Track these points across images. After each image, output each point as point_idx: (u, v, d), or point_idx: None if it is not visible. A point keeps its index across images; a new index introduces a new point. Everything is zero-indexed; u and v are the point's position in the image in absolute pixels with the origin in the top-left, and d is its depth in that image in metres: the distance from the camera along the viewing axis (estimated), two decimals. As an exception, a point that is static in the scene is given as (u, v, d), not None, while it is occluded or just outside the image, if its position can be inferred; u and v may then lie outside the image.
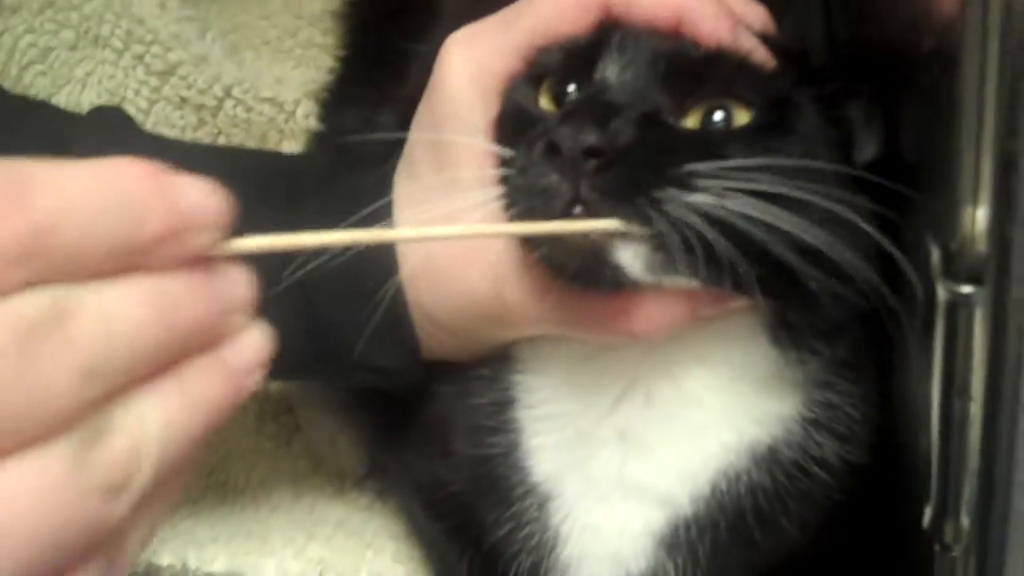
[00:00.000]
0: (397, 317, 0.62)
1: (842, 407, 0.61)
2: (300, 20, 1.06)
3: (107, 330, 0.32)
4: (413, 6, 0.80)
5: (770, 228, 0.51)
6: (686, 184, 0.51)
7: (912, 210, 0.55)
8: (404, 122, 0.64)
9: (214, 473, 0.84)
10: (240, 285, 0.36)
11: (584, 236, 0.52)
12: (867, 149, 0.59)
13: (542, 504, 0.63)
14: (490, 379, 0.65)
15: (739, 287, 0.53)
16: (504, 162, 0.56)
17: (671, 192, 0.51)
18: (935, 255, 0.49)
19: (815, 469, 0.60)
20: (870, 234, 0.54)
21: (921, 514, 0.54)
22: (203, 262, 0.35)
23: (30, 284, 0.31)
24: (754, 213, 0.50)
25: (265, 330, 0.38)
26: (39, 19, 0.98)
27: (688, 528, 0.61)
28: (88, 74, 0.98)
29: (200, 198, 0.35)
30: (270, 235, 0.37)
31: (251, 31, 1.06)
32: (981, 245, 0.47)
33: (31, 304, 0.30)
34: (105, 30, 0.98)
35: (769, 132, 0.55)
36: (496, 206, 0.56)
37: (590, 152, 0.51)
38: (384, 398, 0.71)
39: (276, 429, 0.86)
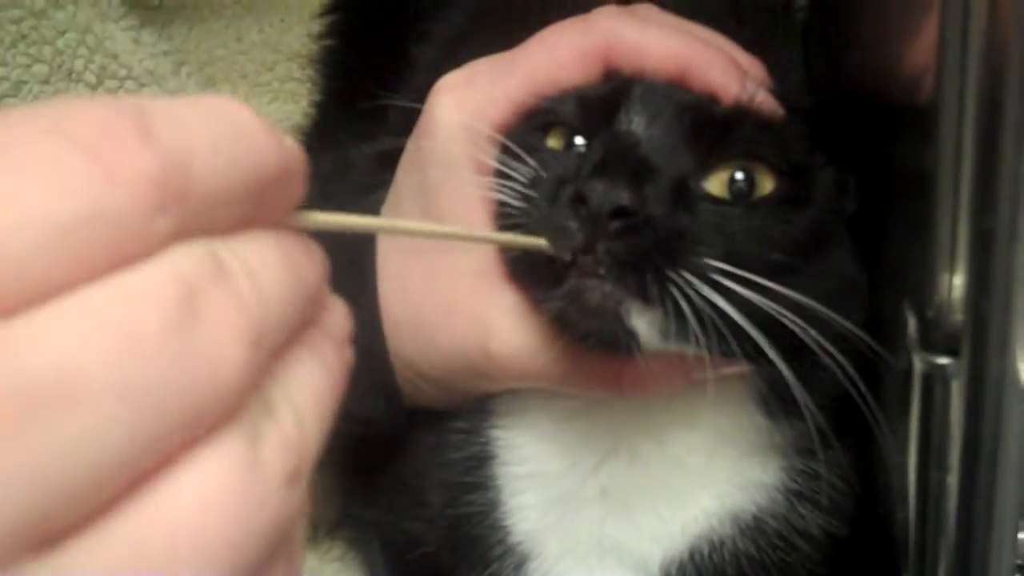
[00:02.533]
0: (378, 367, 0.61)
1: (826, 478, 0.59)
2: (278, 54, 1.05)
3: (258, 289, 0.27)
4: (388, 55, 0.79)
5: (773, 320, 0.51)
6: (702, 275, 0.50)
7: (891, 276, 0.54)
8: (380, 162, 0.63)
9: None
10: (320, 253, 0.32)
11: (604, 299, 0.51)
12: (849, 206, 0.59)
13: (519, 565, 0.62)
14: (468, 433, 0.63)
15: (747, 357, 0.53)
16: (504, 175, 0.55)
17: (686, 277, 0.50)
18: (912, 324, 0.48)
19: (799, 541, 0.59)
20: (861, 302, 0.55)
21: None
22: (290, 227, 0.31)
23: (175, 238, 0.26)
24: (762, 306, 0.50)
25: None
26: (11, 52, 0.96)
27: None
28: (61, 109, 0.97)
29: (290, 141, 0.31)
30: (341, 214, 0.34)
31: (228, 64, 1.05)
32: (958, 314, 0.46)
33: (188, 259, 0.26)
34: (79, 64, 0.96)
35: (790, 206, 0.55)
36: (487, 251, 0.56)
37: (618, 212, 0.50)
38: (356, 449, 0.70)
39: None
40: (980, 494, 0.46)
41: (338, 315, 0.33)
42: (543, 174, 0.54)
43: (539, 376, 0.57)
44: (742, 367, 0.54)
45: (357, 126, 0.77)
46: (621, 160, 0.53)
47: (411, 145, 0.61)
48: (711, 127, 0.55)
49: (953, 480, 0.47)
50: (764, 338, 0.50)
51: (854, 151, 0.58)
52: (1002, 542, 0.46)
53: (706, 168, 0.54)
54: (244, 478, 0.26)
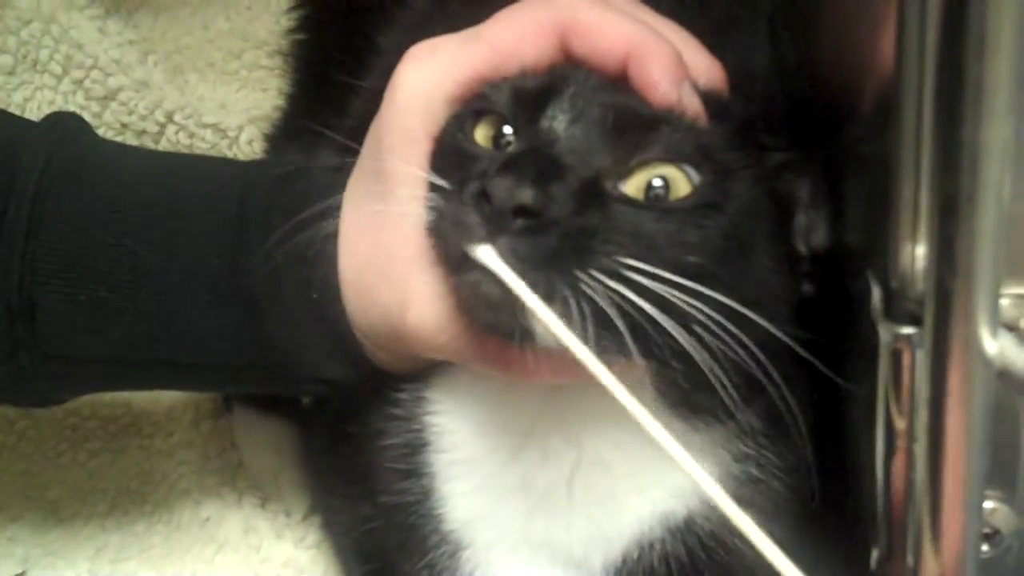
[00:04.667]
0: (341, 330, 0.62)
1: (765, 481, 0.59)
2: (245, 42, 1.05)
3: None
4: (356, 46, 0.80)
5: (683, 318, 0.51)
6: (614, 272, 0.50)
7: (854, 247, 0.54)
8: (334, 176, 0.63)
9: (158, 511, 0.82)
10: None
11: (503, 294, 0.51)
12: (818, 232, 0.58)
13: (454, 553, 0.62)
14: (404, 420, 0.63)
15: (653, 357, 0.52)
16: (434, 187, 0.56)
17: (596, 275, 0.50)
18: (876, 295, 0.48)
19: (734, 542, 0.58)
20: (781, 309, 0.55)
21: (868, 555, 0.53)
22: None
23: None
24: (676, 302, 0.50)
25: None
26: (-25, 44, 0.96)
27: None
28: (27, 100, 0.97)
29: None
30: None
31: (195, 53, 1.05)
32: (920, 283, 0.46)
33: None
34: (44, 55, 0.96)
35: (707, 208, 0.54)
36: (417, 220, 0.56)
37: (520, 211, 0.50)
38: (321, 436, 0.71)
39: (221, 465, 0.84)
40: (946, 462, 0.46)
41: None
42: (452, 186, 0.55)
43: (443, 350, 0.59)
44: (635, 366, 0.53)
45: (325, 117, 0.77)
46: (531, 158, 0.53)
47: (380, 109, 0.62)
48: (633, 129, 0.55)
49: (920, 449, 0.47)
50: (685, 334, 0.50)
51: (817, 126, 0.58)
52: (968, 510, 0.46)
53: (624, 171, 0.54)
54: None
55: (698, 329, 0.51)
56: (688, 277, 0.51)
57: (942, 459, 0.46)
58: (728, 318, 0.51)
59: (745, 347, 0.51)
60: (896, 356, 0.47)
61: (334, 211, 0.61)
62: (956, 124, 0.39)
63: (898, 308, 0.47)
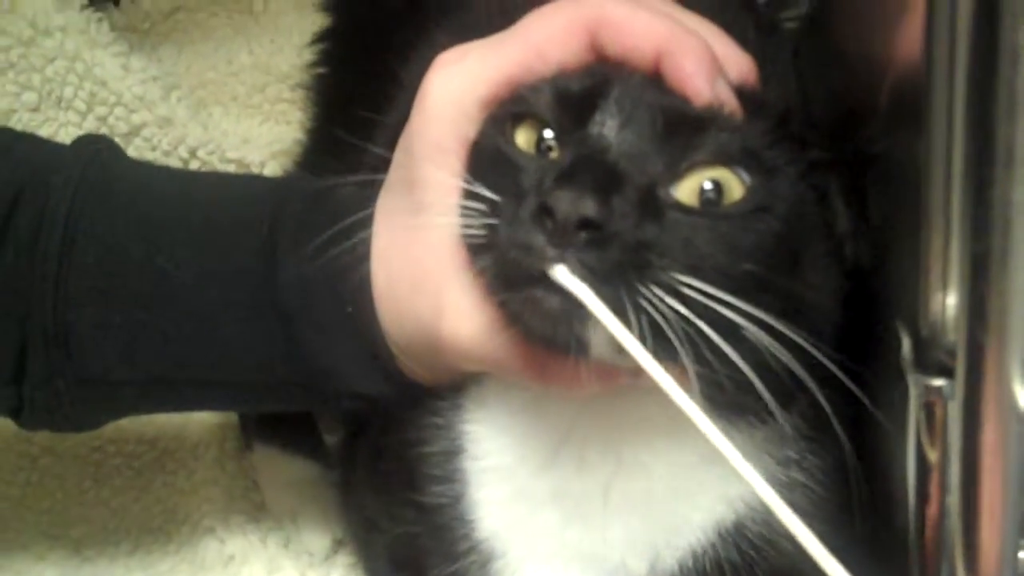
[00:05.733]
0: (376, 344, 0.61)
1: (808, 484, 0.59)
2: (268, 76, 1.05)
3: None
4: (379, 82, 0.79)
5: (732, 331, 0.50)
6: (671, 288, 0.50)
7: (885, 294, 0.53)
8: (365, 192, 0.62)
9: (182, 550, 0.82)
10: None
11: (563, 307, 0.50)
12: (849, 244, 0.57)
13: (484, 563, 0.61)
14: (442, 428, 0.63)
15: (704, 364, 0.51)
16: (471, 195, 0.55)
17: (655, 291, 0.49)
18: (906, 345, 0.48)
19: (783, 543, 0.57)
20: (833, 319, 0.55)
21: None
22: None
23: None
24: (728, 318, 0.50)
25: None
26: (0, 81, 0.97)
27: None
28: (51, 136, 0.97)
29: None
30: None
31: (219, 87, 1.06)
32: (951, 334, 0.45)
33: None
34: (68, 92, 0.96)
35: (760, 212, 0.53)
36: (450, 229, 0.55)
37: (584, 224, 0.49)
38: (363, 451, 0.71)
39: (246, 504, 0.84)
40: (981, 515, 0.45)
41: None
42: (503, 199, 0.54)
43: (483, 362, 0.58)
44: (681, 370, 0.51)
45: (347, 153, 0.77)
46: (589, 168, 0.52)
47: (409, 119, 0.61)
48: (682, 130, 0.54)
49: (953, 500, 0.47)
50: (733, 350, 0.50)
51: (846, 172, 0.57)
52: (1003, 561, 0.46)
53: (676, 174, 0.54)
54: None
55: (745, 340, 0.50)
56: (742, 285, 0.51)
57: (976, 512, 0.45)
58: (773, 331, 0.51)
59: (788, 353, 0.51)
60: (928, 408, 0.47)
61: (366, 223, 0.60)
62: (987, 184, 0.39)
63: (928, 358, 0.47)
